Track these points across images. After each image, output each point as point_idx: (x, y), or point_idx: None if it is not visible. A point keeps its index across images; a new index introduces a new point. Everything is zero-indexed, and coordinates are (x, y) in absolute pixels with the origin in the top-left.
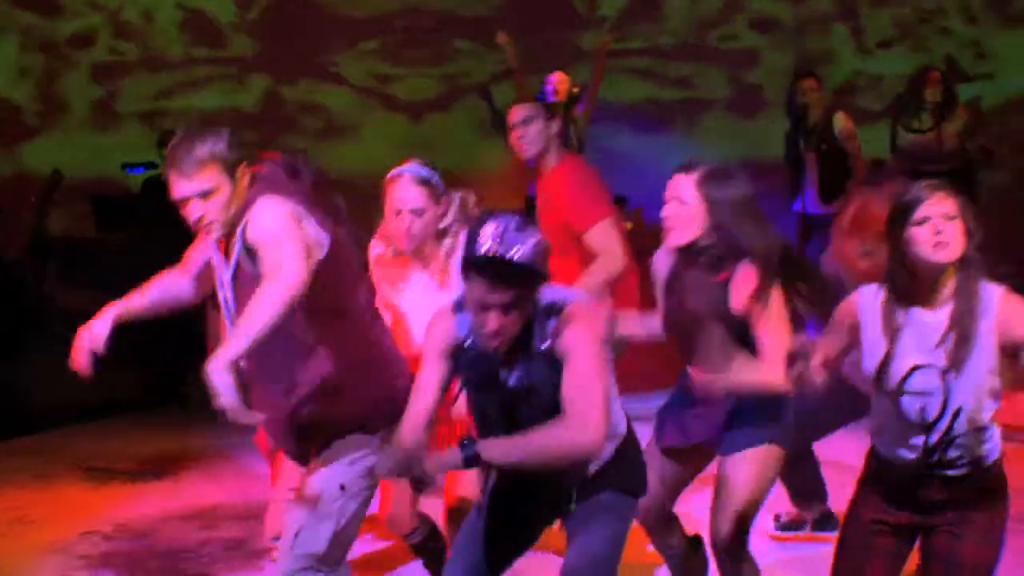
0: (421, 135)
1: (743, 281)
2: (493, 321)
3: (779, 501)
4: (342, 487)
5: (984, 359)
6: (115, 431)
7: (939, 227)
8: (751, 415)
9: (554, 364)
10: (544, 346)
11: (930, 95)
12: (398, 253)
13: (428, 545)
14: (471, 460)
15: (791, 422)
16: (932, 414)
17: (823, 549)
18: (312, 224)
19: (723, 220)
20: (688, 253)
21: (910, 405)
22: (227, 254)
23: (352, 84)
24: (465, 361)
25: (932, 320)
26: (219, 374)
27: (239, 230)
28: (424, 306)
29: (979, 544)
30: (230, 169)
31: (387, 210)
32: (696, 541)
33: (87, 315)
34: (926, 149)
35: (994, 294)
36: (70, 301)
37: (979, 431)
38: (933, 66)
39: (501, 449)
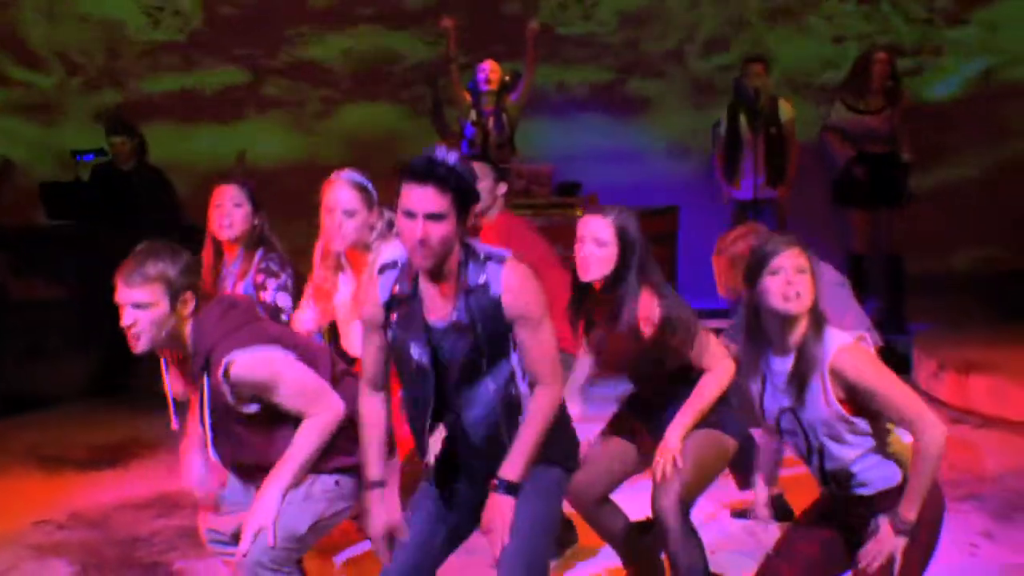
0: (380, 123)
1: (646, 307)
2: (420, 229)
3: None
4: (337, 482)
5: (822, 403)
6: (67, 420)
7: (790, 279)
8: None
9: (495, 308)
10: (482, 284)
11: (879, 77)
12: (333, 260)
13: None
14: (515, 490)
15: (734, 408)
16: (804, 451)
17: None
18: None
19: (633, 259)
20: (595, 293)
21: (788, 442)
22: (187, 376)
23: (313, 71)
24: (391, 315)
25: (781, 367)
26: (272, 501)
27: (203, 375)
28: (348, 314)
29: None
30: (173, 293)
31: (322, 211)
32: (646, 525)
33: (38, 303)
34: (872, 130)
35: (833, 343)
36: (21, 290)
37: (859, 462)
38: (881, 48)
39: (520, 460)
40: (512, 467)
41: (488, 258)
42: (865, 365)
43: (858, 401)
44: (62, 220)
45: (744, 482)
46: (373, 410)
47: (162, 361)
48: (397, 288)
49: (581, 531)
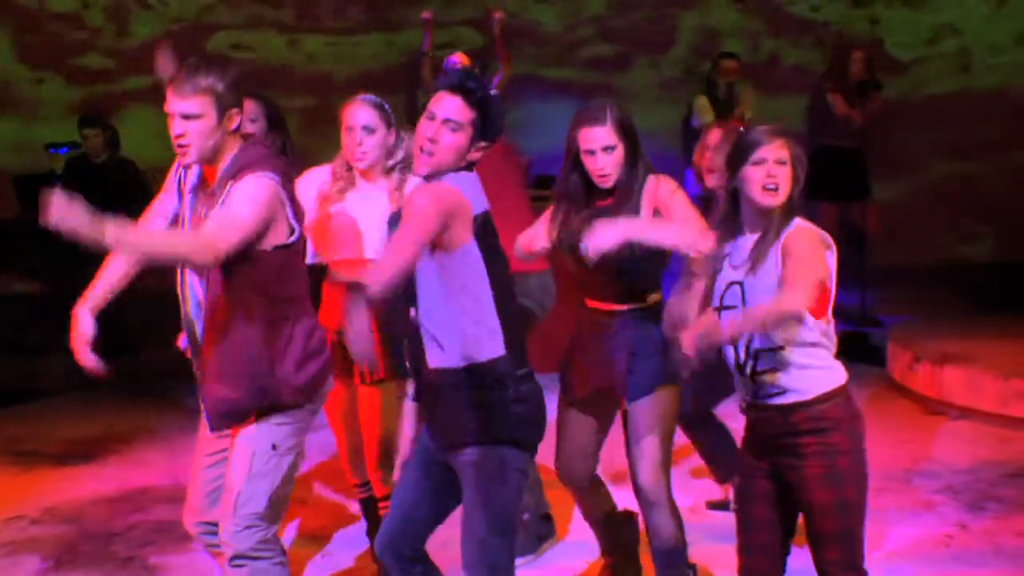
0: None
1: (655, 189)
2: (431, 128)
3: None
4: (274, 446)
5: (772, 275)
6: (43, 415)
7: (771, 171)
8: (648, 359)
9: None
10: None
11: (856, 75)
12: (347, 175)
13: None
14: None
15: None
16: None
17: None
18: (290, 209)
19: (639, 150)
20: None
21: (724, 319)
22: (211, 194)
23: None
24: None
25: (746, 244)
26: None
27: (228, 183)
28: (374, 218)
29: (825, 487)
30: (221, 107)
31: (342, 131)
32: (625, 518)
33: (14, 298)
34: (846, 124)
35: (791, 227)
36: None
37: (784, 353)
38: (858, 46)
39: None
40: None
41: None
42: (805, 240)
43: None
44: (37, 214)
45: (722, 476)
46: None
47: None
48: None
49: (559, 525)
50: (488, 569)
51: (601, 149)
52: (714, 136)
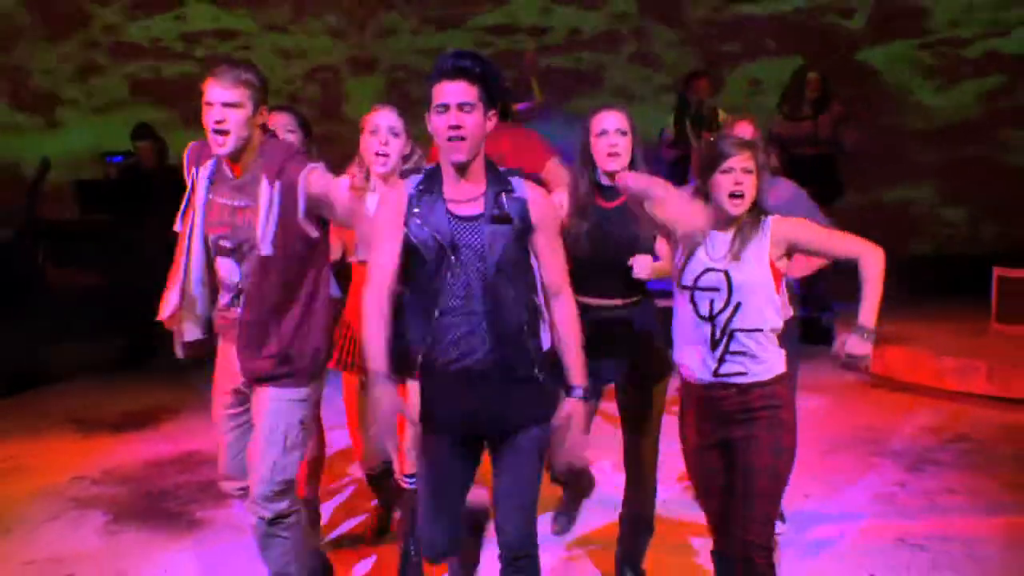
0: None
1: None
2: (454, 117)
3: None
4: (301, 421)
5: (759, 269)
6: (100, 389)
7: (739, 179)
8: (643, 351)
9: (523, 208)
10: (511, 187)
11: (811, 92)
12: (364, 184)
13: (384, 481)
14: (587, 395)
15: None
16: (718, 308)
17: None
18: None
19: (639, 145)
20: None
21: (701, 300)
22: (239, 186)
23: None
24: (415, 208)
25: (723, 238)
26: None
27: (266, 174)
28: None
29: (767, 453)
30: (256, 101)
31: (363, 136)
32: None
33: (73, 288)
34: (806, 135)
35: (769, 221)
36: (58, 276)
37: (759, 335)
38: (813, 68)
39: (579, 368)
40: (576, 375)
41: (508, 172)
42: (801, 221)
43: (801, 251)
44: (94, 215)
45: None
46: (381, 305)
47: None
48: (422, 185)
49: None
50: (532, 537)
51: (614, 131)
52: (742, 129)
